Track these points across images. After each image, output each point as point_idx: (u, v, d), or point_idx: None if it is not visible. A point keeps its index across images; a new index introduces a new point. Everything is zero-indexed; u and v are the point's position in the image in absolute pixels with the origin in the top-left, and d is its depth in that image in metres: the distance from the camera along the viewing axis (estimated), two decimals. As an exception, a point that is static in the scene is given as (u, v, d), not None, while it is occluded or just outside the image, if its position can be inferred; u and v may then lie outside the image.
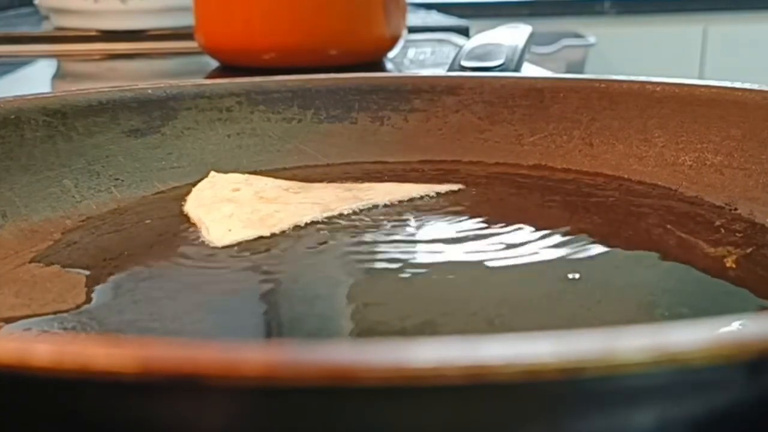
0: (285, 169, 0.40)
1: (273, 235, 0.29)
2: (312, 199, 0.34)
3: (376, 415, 0.11)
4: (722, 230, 0.30)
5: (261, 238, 0.29)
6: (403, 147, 0.41)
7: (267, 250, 0.28)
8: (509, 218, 0.31)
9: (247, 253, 0.28)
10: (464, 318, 0.23)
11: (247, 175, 0.37)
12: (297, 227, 0.30)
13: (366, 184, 0.36)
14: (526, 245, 0.28)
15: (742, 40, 1.85)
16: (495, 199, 0.35)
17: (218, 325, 0.23)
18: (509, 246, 0.28)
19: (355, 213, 0.32)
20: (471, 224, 0.30)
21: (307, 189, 0.36)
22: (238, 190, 0.35)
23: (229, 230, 0.30)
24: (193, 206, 0.33)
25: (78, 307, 0.24)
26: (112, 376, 0.11)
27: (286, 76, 0.43)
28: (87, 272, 0.27)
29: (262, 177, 0.37)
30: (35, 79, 0.74)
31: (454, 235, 0.29)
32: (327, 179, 0.37)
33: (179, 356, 0.11)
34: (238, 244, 0.29)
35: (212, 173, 0.37)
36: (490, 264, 0.27)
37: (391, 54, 0.70)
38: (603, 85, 0.40)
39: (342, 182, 0.37)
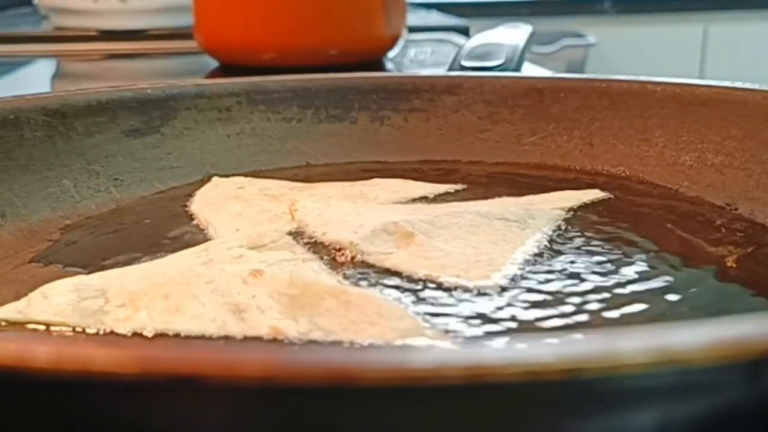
0: (285, 168, 0.40)
1: (280, 234, 0.29)
2: (320, 197, 0.34)
3: (376, 416, 0.11)
4: (723, 230, 0.30)
5: (268, 236, 0.29)
6: (403, 147, 0.41)
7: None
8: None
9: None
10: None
11: (249, 178, 0.37)
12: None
13: (372, 180, 0.36)
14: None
15: (742, 40, 1.85)
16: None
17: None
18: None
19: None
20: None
21: (313, 186, 0.36)
22: (243, 187, 0.35)
23: (237, 230, 0.30)
24: (199, 206, 0.33)
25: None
26: (112, 377, 0.11)
27: (286, 76, 0.43)
28: (86, 272, 0.27)
29: (263, 179, 0.37)
30: (35, 79, 0.74)
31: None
32: (327, 179, 0.37)
33: (178, 357, 0.11)
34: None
35: (214, 178, 0.37)
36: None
37: (391, 54, 0.70)
38: (603, 85, 0.40)
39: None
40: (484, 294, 0.24)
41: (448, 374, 0.10)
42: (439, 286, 0.24)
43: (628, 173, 0.37)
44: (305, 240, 0.29)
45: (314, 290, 0.23)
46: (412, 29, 0.79)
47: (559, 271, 0.25)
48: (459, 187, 0.36)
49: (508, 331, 0.22)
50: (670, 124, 0.37)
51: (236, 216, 0.32)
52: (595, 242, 0.28)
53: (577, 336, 0.11)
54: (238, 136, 0.40)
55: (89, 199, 0.34)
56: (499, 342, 0.11)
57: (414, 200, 0.34)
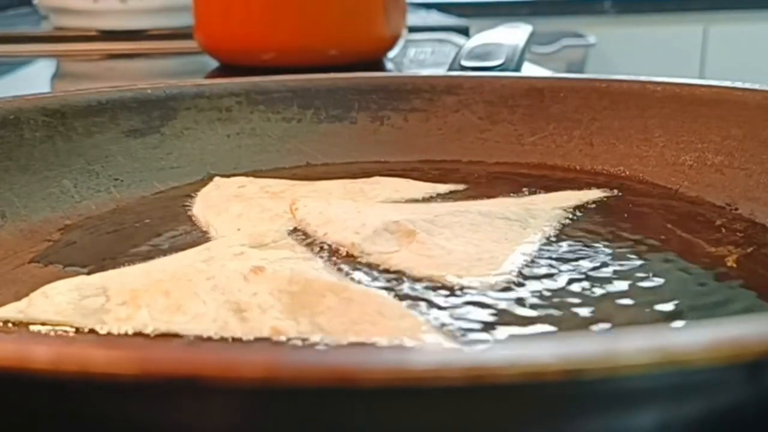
0: (285, 168, 0.40)
1: (281, 234, 0.29)
2: (321, 192, 0.34)
3: (376, 417, 0.11)
4: (723, 230, 0.30)
5: (269, 236, 0.29)
6: (403, 147, 0.41)
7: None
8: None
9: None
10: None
11: (251, 178, 0.37)
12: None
13: (373, 178, 0.36)
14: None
15: (742, 40, 1.85)
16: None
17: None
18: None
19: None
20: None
21: (314, 183, 0.36)
22: (243, 186, 0.35)
23: (238, 230, 0.30)
24: (200, 208, 0.33)
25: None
26: (112, 378, 0.11)
27: (286, 76, 0.43)
28: (86, 272, 0.27)
29: (264, 179, 0.37)
30: (35, 79, 0.74)
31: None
32: (327, 179, 0.37)
33: (178, 358, 0.11)
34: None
35: (216, 178, 0.37)
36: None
37: (391, 54, 0.70)
38: (603, 85, 0.40)
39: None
40: (486, 293, 0.24)
41: (448, 375, 0.10)
42: (441, 285, 0.24)
43: (628, 173, 0.37)
44: (306, 240, 0.29)
45: (315, 287, 0.23)
46: (412, 29, 0.79)
47: (560, 271, 0.26)
48: (459, 187, 0.36)
49: (508, 331, 0.22)
50: (670, 124, 0.37)
51: (237, 216, 0.31)
52: (595, 242, 0.28)
53: (578, 336, 0.11)
54: (238, 136, 0.40)
55: (89, 199, 0.34)
56: (500, 342, 0.11)
57: (414, 199, 0.34)
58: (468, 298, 0.23)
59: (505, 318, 0.22)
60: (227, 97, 0.41)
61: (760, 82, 0.35)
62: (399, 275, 0.25)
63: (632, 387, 0.11)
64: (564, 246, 0.28)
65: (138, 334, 0.22)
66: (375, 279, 0.25)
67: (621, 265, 0.26)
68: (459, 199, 0.34)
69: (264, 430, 0.12)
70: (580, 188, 0.35)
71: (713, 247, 0.28)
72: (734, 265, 0.26)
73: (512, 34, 0.53)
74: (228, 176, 0.37)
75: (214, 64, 0.69)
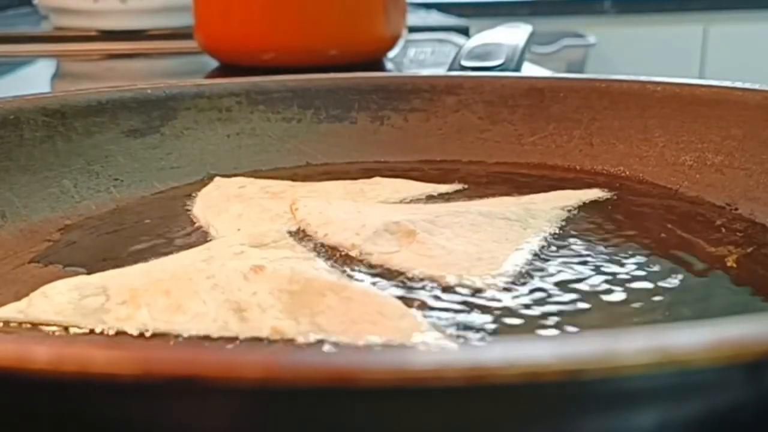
0: (285, 168, 0.40)
1: (281, 234, 0.29)
2: (321, 193, 0.34)
3: (376, 417, 0.11)
4: (723, 230, 0.30)
5: (269, 236, 0.29)
6: (403, 147, 0.41)
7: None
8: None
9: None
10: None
11: (251, 178, 0.37)
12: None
13: (373, 179, 0.36)
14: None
15: (743, 40, 1.85)
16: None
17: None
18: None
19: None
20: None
21: (314, 183, 0.36)
22: (244, 186, 0.35)
23: (238, 230, 0.30)
24: (201, 208, 0.33)
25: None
26: (111, 378, 0.11)
27: (286, 76, 0.43)
28: (86, 272, 0.27)
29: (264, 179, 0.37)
30: (35, 79, 0.74)
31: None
32: (327, 179, 0.37)
33: (178, 358, 0.11)
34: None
35: (216, 178, 0.37)
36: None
37: (391, 54, 0.70)
38: (603, 85, 0.40)
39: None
40: (486, 293, 0.24)
41: (448, 375, 0.10)
42: (441, 285, 0.24)
43: (628, 173, 0.37)
44: (306, 240, 0.29)
45: (315, 286, 0.23)
46: (412, 29, 0.79)
47: (560, 271, 0.25)
48: (459, 187, 0.36)
49: (509, 331, 0.22)
50: (670, 124, 0.37)
51: (237, 216, 0.32)
52: (595, 242, 0.28)
53: (578, 337, 0.11)
54: (238, 136, 0.40)
55: (89, 199, 0.34)
56: (500, 342, 0.11)
57: (414, 200, 0.34)
58: (468, 298, 0.23)
59: (505, 318, 0.22)
60: (227, 97, 0.41)
61: (760, 82, 0.35)
62: (399, 275, 0.25)
63: (632, 387, 0.11)
64: (564, 246, 0.28)
65: (138, 334, 0.22)
66: (375, 279, 0.25)
67: (621, 265, 0.26)
68: (459, 199, 0.34)
69: (264, 430, 0.12)
70: (580, 188, 0.35)
71: (713, 247, 0.28)
72: (734, 265, 0.26)
73: (512, 34, 0.53)
74: (228, 176, 0.37)
75: (214, 64, 0.69)
